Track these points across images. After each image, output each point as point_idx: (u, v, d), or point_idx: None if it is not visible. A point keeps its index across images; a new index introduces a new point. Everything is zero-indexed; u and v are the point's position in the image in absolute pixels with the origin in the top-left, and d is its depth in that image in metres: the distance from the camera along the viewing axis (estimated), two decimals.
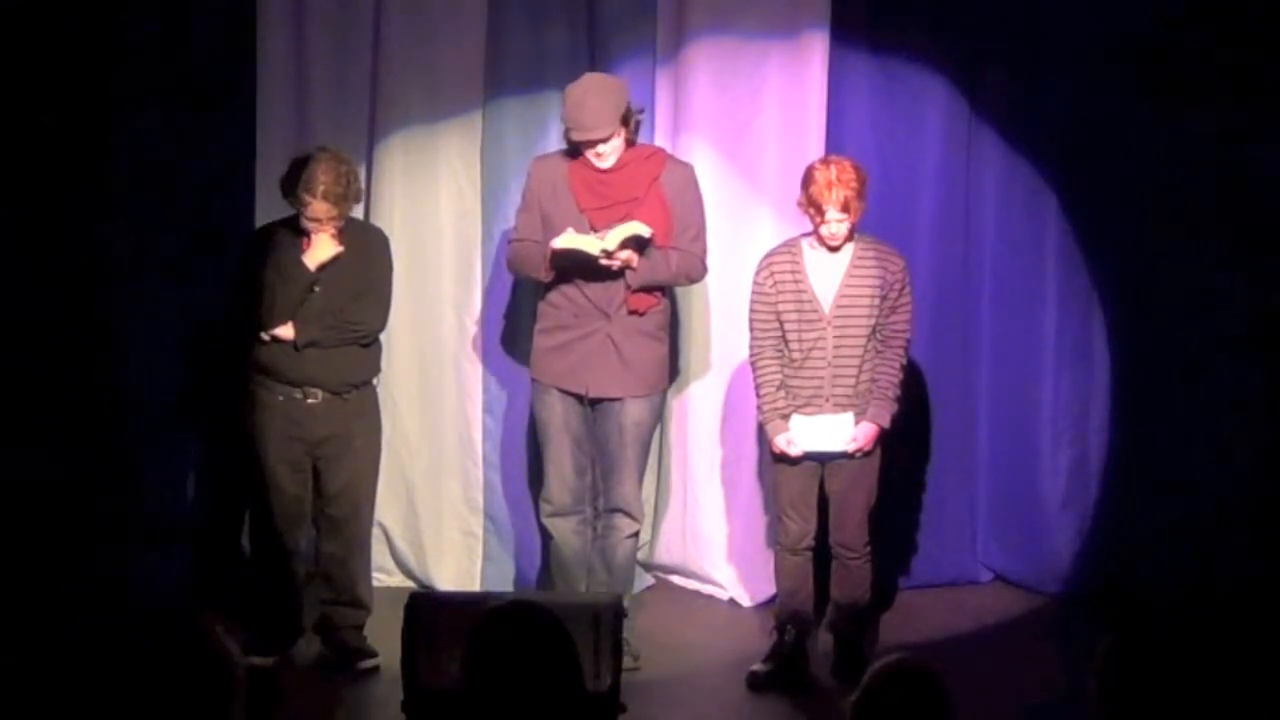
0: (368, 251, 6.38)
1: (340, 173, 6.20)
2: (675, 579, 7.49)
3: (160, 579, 6.75)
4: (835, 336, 6.24)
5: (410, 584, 7.16)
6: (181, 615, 3.20)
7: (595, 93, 6.16)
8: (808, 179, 6.18)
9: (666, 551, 7.47)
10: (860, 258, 6.26)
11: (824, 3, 7.06)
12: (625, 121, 6.17)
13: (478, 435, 7.21)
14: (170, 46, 6.80)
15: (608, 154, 6.17)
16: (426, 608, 5.56)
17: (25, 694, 5.71)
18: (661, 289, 6.34)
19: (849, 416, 6.26)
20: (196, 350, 6.92)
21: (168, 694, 3.10)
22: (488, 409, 7.19)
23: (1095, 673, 3.43)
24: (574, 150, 6.25)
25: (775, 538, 6.58)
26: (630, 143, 6.24)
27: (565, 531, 6.41)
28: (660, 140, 7.03)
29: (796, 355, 6.26)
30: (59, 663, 5.61)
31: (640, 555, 6.97)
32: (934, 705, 3.39)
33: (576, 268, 6.19)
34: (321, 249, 6.26)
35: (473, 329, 7.18)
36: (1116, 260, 7.17)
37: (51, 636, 6.13)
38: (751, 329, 6.34)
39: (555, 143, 6.68)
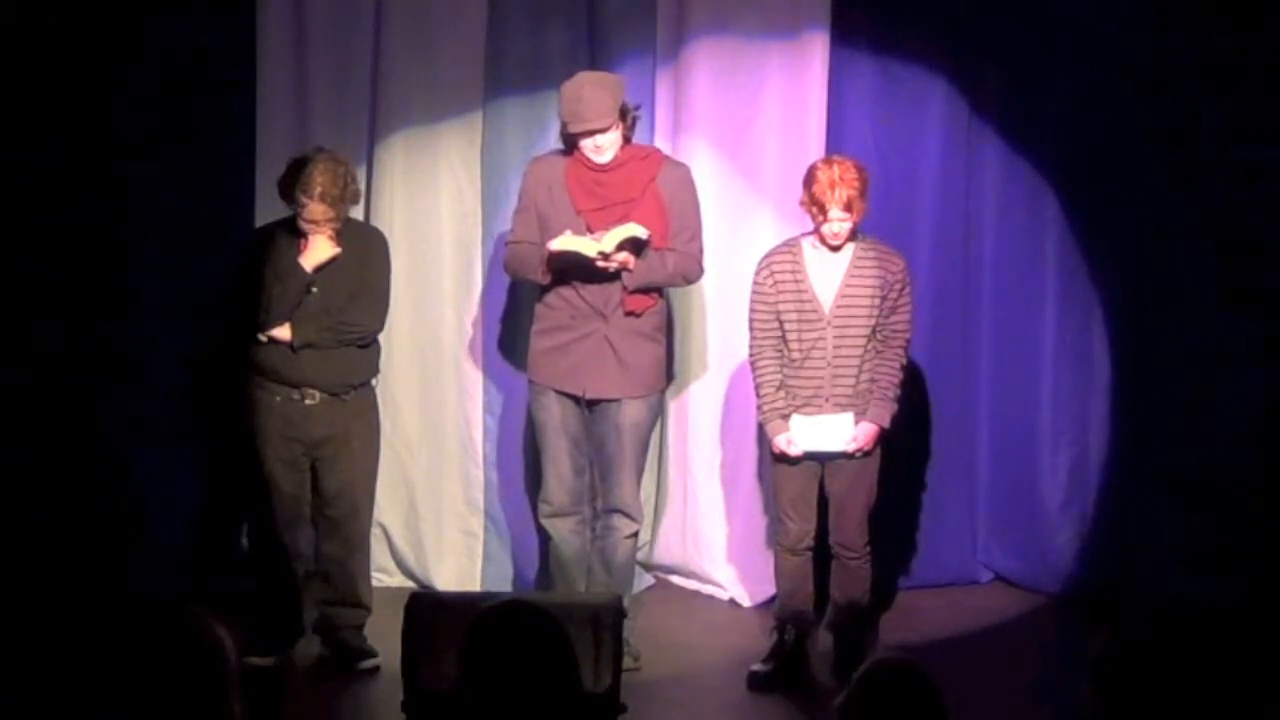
0: (365, 252, 6.37)
1: (337, 174, 6.20)
2: (675, 579, 7.50)
3: (160, 579, 6.75)
4: (835, 337, 6.23)
5: (410, 584, 7.16)
6: (176, 608, 3.21)
7: (592, 85, 6.16)
8: (810, 178, 6.18)
9: (666, 551, 7.48)
10: (860, 258, 6.26)
11: (824, 3, 7.07)
12: (623, 116, 6.17)
13: (478, 435, 7.21)
14: (170, 46, 6.80)
15: (606, 147, 6.16)
16: (426, 608, 5.56)
17: (28, 688, 5.73)
18: (658, 290, 6.33)
19: (849, 416, 6.26)
20: (195, 350, 6.92)
21: (164, 685, 3.10)
22: (488, 409, 7.19)
23: (1089, 671, 3.42)
24: (570, 149, 6.24)
25: (775, 538, 6.58)
26: (627, 139, 6.23)
27: (564, 532, 6.41)
28: (660, 140, 7.03)
29: (796, 355, 6.26)
30: (58, 656, 5.63)
31: (640, 555, 6.97)
32: (923, 703, 3.37)
33: (574, 269, 6.19)
34: (318, 250, 6.26)
35: (473, 329, 7.18)
36: (1116, 260, 7.17)
37: (50, 635, 6.15)
38: (751, 328, 6.34)
39: (555, 143, 6.66)
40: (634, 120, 6.23)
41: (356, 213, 6.57)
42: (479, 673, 3.50)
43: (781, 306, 6.25)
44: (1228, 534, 6.83)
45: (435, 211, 7.15)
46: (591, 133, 6.11)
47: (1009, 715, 6.08)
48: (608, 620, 5.44)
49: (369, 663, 6.38)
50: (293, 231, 6.29)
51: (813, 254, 6.27)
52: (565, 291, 6.25)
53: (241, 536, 6.84)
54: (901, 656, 3.50)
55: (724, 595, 7.34)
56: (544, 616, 3.57)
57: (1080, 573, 7.27)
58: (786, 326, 6.26)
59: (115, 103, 6.78)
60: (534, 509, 6.72)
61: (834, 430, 6.27)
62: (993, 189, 7.38)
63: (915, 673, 3.40)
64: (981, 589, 7.49)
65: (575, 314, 6.25)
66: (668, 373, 6.67)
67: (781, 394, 6.29)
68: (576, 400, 6.31)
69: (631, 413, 6.27)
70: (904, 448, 6.82)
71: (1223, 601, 6.63)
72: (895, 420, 6.33)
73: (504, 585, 7.15)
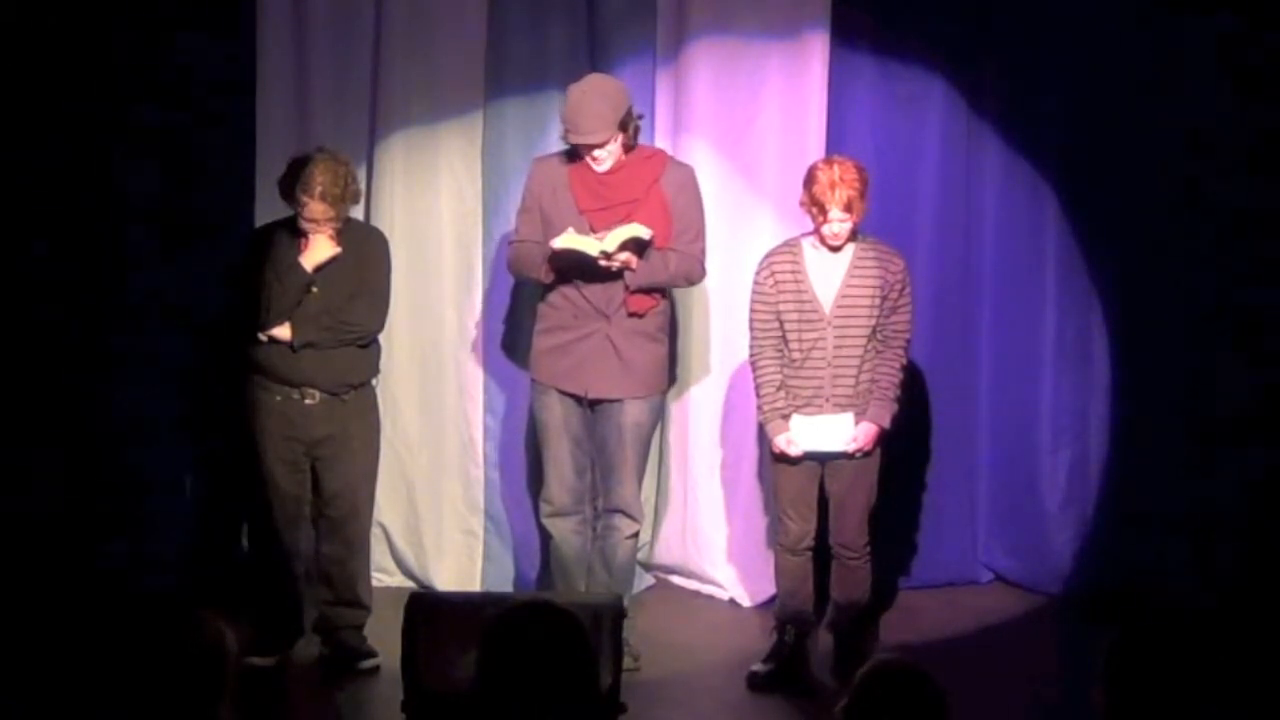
0: (365, 252, 6.37)
1: (338, 174, 6.20)
2: (675, 579, 7.50)
3: (160, 579, 6.75)
4: (835, 337, 6.23)
5: (410, 584, 7.16)
6: (175, 606, 3.21)
7: (595, 96, 6.14)
8: (811, 178, 6.18)
9: (666, 551, 7.47)
10: (861, 258, 6.26)
11: (824, 3, 7.07)
12: (624, 126, 6.16)
13: (478, 435, 7.21)
14: (170, 46, 6.80)
15: (604, 159, 6.16)
16: (426, 608, 5.58)
17: (28, 688, 5.73)
18: (661, 290, 6.33)
19: (849, 416, 6.26)
20: (195, 350, 6.92)
21: (164, 685, 3.11)
22: (488, 409, 7.19)
23: (1103, 670, 3.41)
24: (574, 151, 6.24)
25: (775, 538, 6.58)
26: (629, 147, 6.23)
27: (565, 531, 6.41)
28: (660, 140, 7.03)
29: (797, 355, 6.26)
30: (58, 656, 5.64)
31: (640, 555, 6.97)
32: (925, 705, 3.35)
33: (576, 269, 6.19)
34: (319, 250, 6.26)
35: (473, 329, 7.18)
36: (1116, 260, 7.17)
37: (50, 634, 6.15)
38: (751, 329, 6.34)
39: (556, 143, 6.66)
40: (636, 129, 6.23)
41: (356, 213, 6.57)
42: (499, 673, 3.45)
43: (782, 306, 6.25)
44: (1227, 533, 6.83)
45: (435, 211, 7.15)
46: (590, 146, 6.12)
47: (1009, 715, 6.08)
48: (608, 620, 5.45)
49: (369, 663, 6.38)
50: (293, 231, 6.29)
51: (813, 254, 6.27)
52: (568, 291, 6.25)
53: (241, 536, 6.84)
54: (903, 659, 3.49)
55: (724, 595, 7.34)
56: (569, 617, 3.53)
57: (1080, 573, 7.27)
58: (787, 326, 6.26)
59: (115, 103, 6.78)
60: (535, 509, 6.72)
61: (834, 430, 6.27)
62: (993, 189, 7.38)
63: (917, 675, 3.39)
64: (981, 589, 7.48)
65: (578, 313, 6.25)
66: (670, 373, 6.66)
67: (782, 394, 6.29)
68: (578, 400, 6.31)
69: (633, 413, 6.28)
70: (904, 448, 6.82)
71: (1222, 602, 6.64)
72: (895, 420, 6.33)
73: (504, 585, 7.15)
